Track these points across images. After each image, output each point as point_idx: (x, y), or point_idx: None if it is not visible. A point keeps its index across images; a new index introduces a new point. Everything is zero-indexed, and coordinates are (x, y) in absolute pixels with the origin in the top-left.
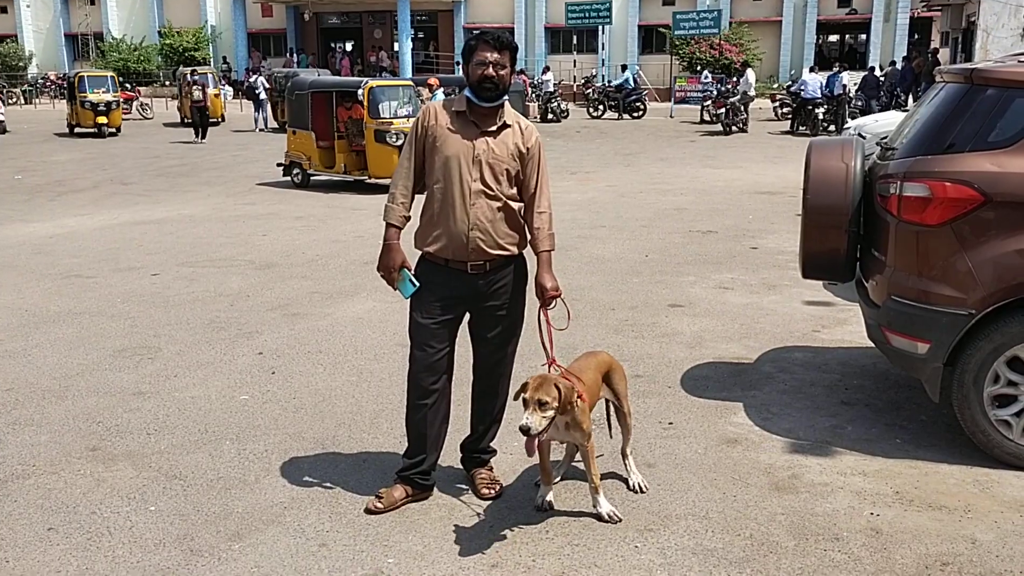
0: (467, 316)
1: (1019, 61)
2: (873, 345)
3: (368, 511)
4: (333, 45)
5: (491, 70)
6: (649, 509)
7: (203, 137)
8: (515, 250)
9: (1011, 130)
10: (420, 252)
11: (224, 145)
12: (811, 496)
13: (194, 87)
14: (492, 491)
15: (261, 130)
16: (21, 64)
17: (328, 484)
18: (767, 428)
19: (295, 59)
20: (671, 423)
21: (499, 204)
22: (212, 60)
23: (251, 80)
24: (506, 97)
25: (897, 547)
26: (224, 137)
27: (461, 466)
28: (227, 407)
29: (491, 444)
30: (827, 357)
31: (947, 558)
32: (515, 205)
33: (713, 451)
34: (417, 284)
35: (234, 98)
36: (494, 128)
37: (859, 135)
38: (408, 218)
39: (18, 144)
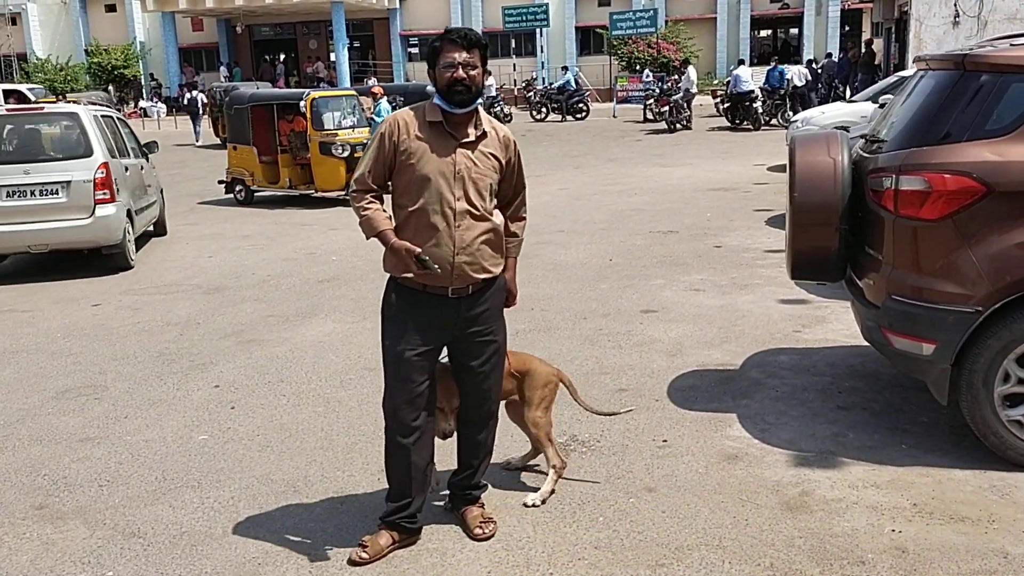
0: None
1: (1011, 44)
2: (860, 343)
3: (352, 562)
4: (268, 57)
5: (461, 71)
6: (658, 541)
7: None
8: (497, 271)
9: (1010, 116)
10: (389, 276)
11: (162, 164)
12: (826, 515)
13: None
14: (485, 531)
15: (198, 145)
16: None
17: (304, 533)
18: (767, 440)
19: (229, 73)
20: (665, 440)
21: (487, 225)
22: (142, 76)
23: (191, 95)
24: (480, 101)
25: (927, 567)
26: (162, 155)
27: (450, 504)
28: (185, 449)
29: (481, 480)
30: (814, 359)
31: None
32: (499, 222)
33: (715, 469)
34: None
35: (168, 115)
36: (472, 138)
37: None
38: (391, 217)
39: None
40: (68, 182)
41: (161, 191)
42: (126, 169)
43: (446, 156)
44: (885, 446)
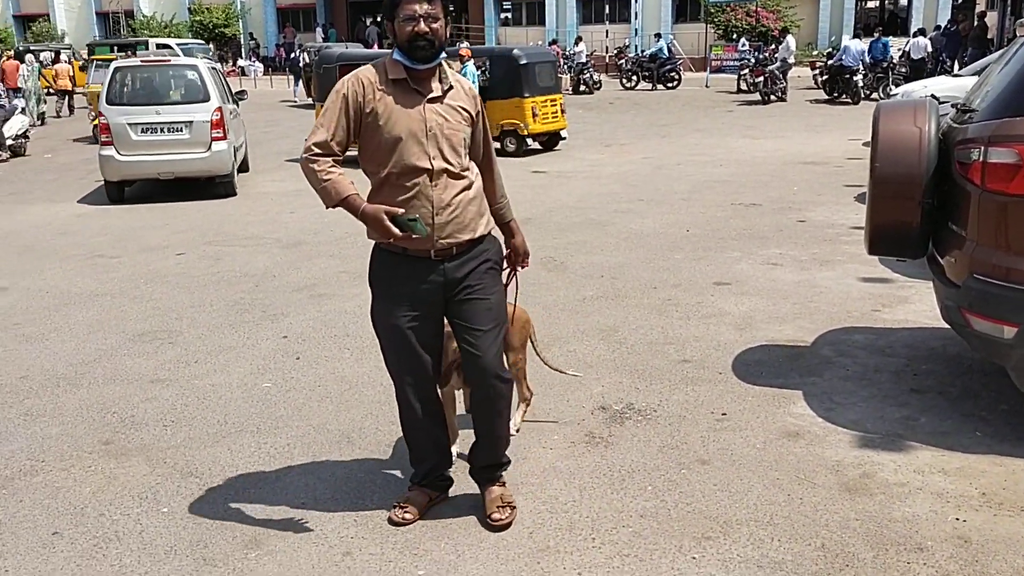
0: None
1: None
2: (942, 325)
3: (393, 523)
4: (362, 19)
5: (422, 24)
6: (706, 513)
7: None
8: (484, 230)
9: None
10: (374, 243)
11: (254, 122)
12: (887, 499)
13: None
14: (502, 517)
15: (293, 104)
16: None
17: (353, 483)
18: (831, 420)
19: (324, 34)
20: (724, 414)
21: (464, 182)
22: (241, 36)
23: (295, 53)
24: (443, 55)
25: (990, 559)
26: (255, 113)
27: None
28: (248, 396)
29: (503, 457)
30: (891, 339)
31: None
32: (474, 177)
33: (773, 446)
34: (416, 216)
35: (264, 74)
36: (439, 92)
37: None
38: (354, 182)
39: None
40: (191, 122)
41: (245, 133)
42: (232, 113)
43: (415, 114)
44: (957, 432)
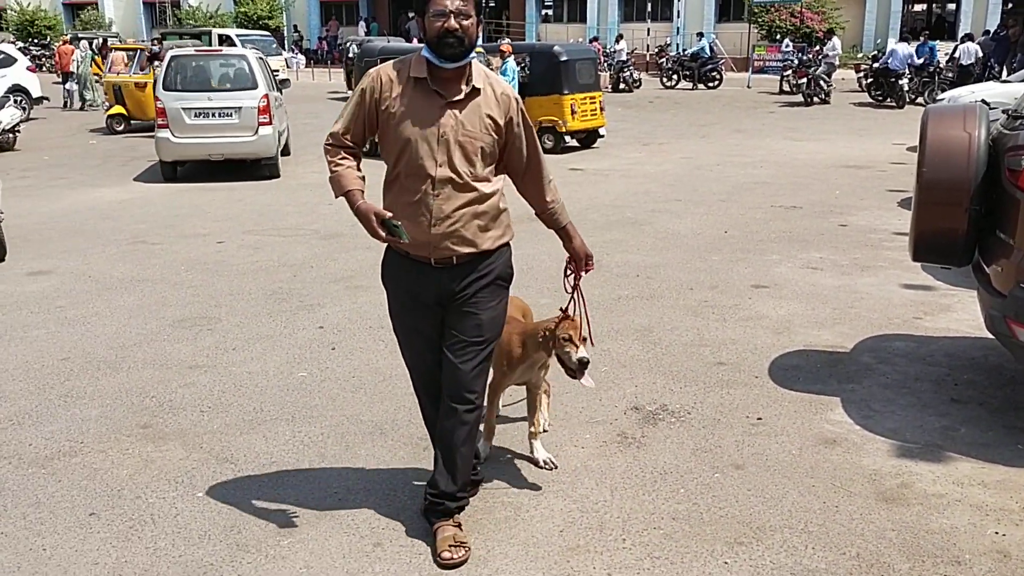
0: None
1: None
2: (984, 335)
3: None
4: (405, 13)
5: (453, 21)
6: (739, 518)
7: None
8: (491, 245)
9: None
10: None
11: (296, 113)
12: (924, 509)
13: (154, 64)
14: (453, 557)
15: (333, 98)
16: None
17: (386, 475)
18: (869, 428)
19: (367, 28)
20: (760, 418)
21: (471, 195)
22: (285, 28)
23: (344, 45)
24: (473, 55)
25: None
26: (294, 105)
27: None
28: (284, 384)
29: (459, 490)
30: (932, 347)
31: None
32: (489, 190)
33: (809, 452)
34: (399, 222)
35: (306, 66)
36: (461, 96)
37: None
38: (364, 178)
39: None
40: (239, 107)
41: (287, 119)
42: (276, 101)
43: (429, 116)
44: (999, 444)
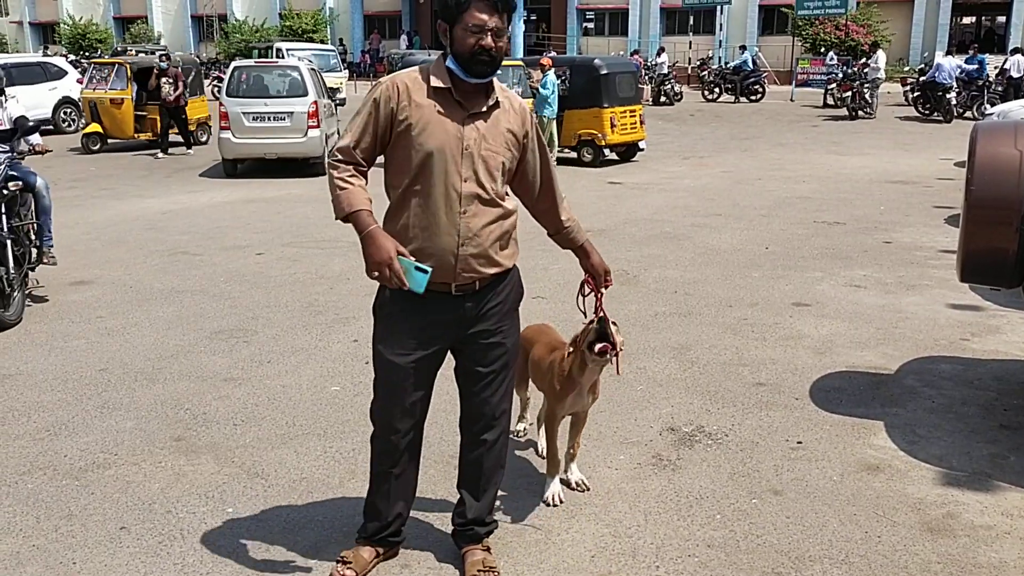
0: (450, 350)
1: None
2: None
3: None
4: None
5: (490, 39)
6: (777, 547)
7: (188, 146)
8: (509, 264)
9: None
10: None
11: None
12: (972, 541)
13: (162, 80)
14: None
15: None
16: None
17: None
18: (914, 454)
19: (409, 41)
20: (800, 442)
21: (497, 211)
22: (329, 42)
23: (390, 57)
24: (498, 72)
25: None
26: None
27: (453, 539)
28: (317, 398)
29: (489, 516)
30: (980, 371)
31: None
32: (511, 207)
33: (851, 479)
34: (428, 269)
35: (349, 79)
36: (484, 109)
37: None
38: (372, 199)
39: None
40: (291, 112)
41: (337, 123)
42: (325, 107)
43: (453, 129)
44: None
